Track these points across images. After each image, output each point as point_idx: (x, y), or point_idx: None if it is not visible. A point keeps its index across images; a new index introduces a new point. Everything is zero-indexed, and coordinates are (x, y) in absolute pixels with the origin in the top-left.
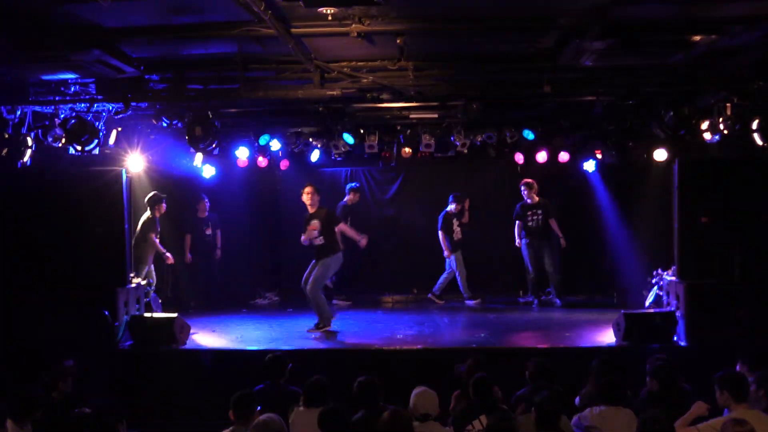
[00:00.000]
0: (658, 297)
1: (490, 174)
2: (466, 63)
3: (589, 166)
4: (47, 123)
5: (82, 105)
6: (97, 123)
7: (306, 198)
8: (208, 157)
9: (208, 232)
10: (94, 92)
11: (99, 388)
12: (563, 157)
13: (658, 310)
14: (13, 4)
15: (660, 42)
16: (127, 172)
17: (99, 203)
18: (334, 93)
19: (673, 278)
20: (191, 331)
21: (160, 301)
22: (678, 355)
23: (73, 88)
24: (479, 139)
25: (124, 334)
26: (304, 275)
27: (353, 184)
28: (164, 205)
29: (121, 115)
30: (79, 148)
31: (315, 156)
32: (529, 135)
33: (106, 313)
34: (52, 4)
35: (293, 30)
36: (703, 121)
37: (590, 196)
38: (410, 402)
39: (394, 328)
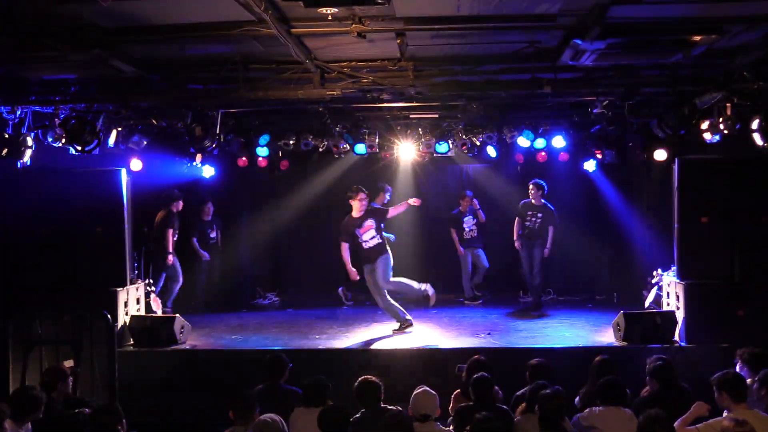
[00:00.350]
0: (658, 297)
1: (490, 174)
2: (466, 63)
3: (589, 166)
4: (47, 123)
5: (82, 105)
6: (97, 123)
7: (357, 204)
8: (208, 157)
9: (213, 235)
10: (94, 92)
11: (99, 388)
12: (563, 157)
13: (658, 310)
14: (13, 4)
15: (660, 42)
16: (127, 172)
17: (99, 203)
18: (334, 93)
19: (673, 278)
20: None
21: (160, 301)
22: (678, 355)
23: (73, 88)
24: (479, 139)
25: (124, 334)
26: (387, 277)
27: (381, 184)
28: (180, 203)
29: (121, 115)
30: (79, 148)
31: (316, 156)
32: (529, 135)
33: (106, 313)
34: (52, 4)
35: (293, 30)
36: (703, 121)
37: (590, 196)
38: (410, 402)
39: (394, 328)
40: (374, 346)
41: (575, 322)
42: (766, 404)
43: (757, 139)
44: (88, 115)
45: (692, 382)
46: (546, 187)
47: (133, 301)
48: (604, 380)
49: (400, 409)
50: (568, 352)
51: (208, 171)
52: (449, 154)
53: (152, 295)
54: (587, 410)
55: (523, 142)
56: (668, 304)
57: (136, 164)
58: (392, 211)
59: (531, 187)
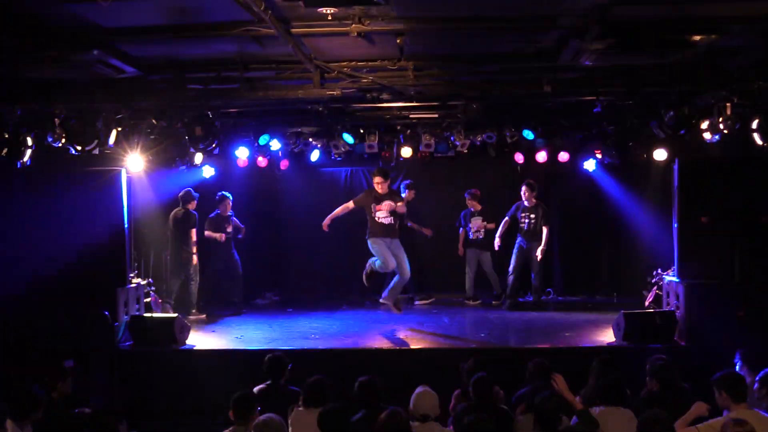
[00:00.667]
0: (658, 297)
1: (490, 174)
2: (466, 63)
3: (589, 165)
4: (47, 123)
5: (82, 105)
6: (97, 123)
7: (377, 187)
8: (208, 157)
9: (229, 230)
10: (94, 92)
11: (99, 388)
12: (563, 157)
13: (658, 310)
14: (13, 4)
15: (660, 42)
16: (127, 172)
17: (99, 203)
18: (334, 93)
19: (673, 278)
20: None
21: (160, 301)
22: (678, 355)
23: (73, 88)
24: (479, 139)
25: (124, 334)
26: (386, 258)
27: (407, 181)
28: (195, 203)
29: (121, 115)
30: (79, 148)
31: (315, 156)
32: (529, 135)
33: (106, 313)
34: (52, 4)
35: (293, 30)
36: (703, 121)
37: (590, 196)
38: (410, 402)
39: (394, 328)
40: (374, 346)
41: (575, 322)
42: (766, 404)
43: (757, 139)
44: (88, 115)
45: (692, 382)
46: (536, 186)
47: (133, 301)
48: (604, 380)
49: (398, 409)
50: (568, 352)
51: (208, 171)
52: (449, 154)
53: (152, 295)
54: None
55: (523, 141)
56: (668, 304)
57: (136, 164)
58: (401, 207)
59: (524, 188)
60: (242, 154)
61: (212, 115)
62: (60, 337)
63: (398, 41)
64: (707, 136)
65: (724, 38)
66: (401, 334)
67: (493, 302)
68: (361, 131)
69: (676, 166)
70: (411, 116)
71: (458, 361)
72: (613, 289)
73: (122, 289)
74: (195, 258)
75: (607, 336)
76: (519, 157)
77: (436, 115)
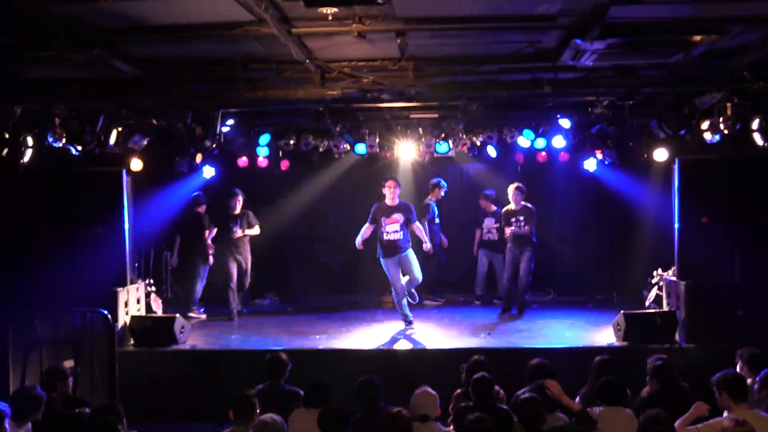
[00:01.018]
0: (658, 297)
1: (490, 174)
2: (466, 63)
3: (589, 165)
4: (47, 123)
5: (82, 105)
6: (97, 123)
7: (389, 192)
8: (208, 157)
9: (235, 229)
10: (94, 92)
11: (99, 388)
12: (563, 157)
13: (658, 310)
14: (13, 3)
15: (660, 42)
16: (127, 172)
17: (99, 203)
18: (334, 93)
19: (673, 278)
20: (191, 331)
21: (160, 301)
22: (678, 355)
23: (73, 88)
24: (479, 139)
25: (124, 334)
26: (395, 278)
27: (435, 180)
28: (205, 206)
29: (121, 115)
30: (79, 148)
31: (315, 156)
32: (529, 135)
33: (106, 313)
34: (52, 4)
35: (293, 30)
36: (703, 121)
37: (590, 196)
38: (410, 402)
39: (394, 328)
40: (374, 346)
41: (575, 322)
42: (767, 404)
43: (757, 139)
44: (88, 115)
45: (692, 382)
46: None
47: (133, 301)
48: (604, 380)
49: (399, 409)
50: (568, 352)
51: (208, 171)
52: (449, 154)
53: (152, 295)
54: (587, 410)
55: (523, 141)
56: (668, 304)
57: (136, 164)
58: (416, 228)
59: (513, 192)
60: (242, 153)
61: (212, 115)
62: (60, 337)
63: (398, 41)
64: (707, 136)
65: (724, 38)
66: (402, 335)
67: (494, 301)
68: (361, 131)
69: (676, 167)
70: (411, 116)
71: (458, 361)
72: (613, 289)
73: (122, 289)
74: (211, 258)
75: (607, 336)
76: (519, 157)
77: (436, 115)
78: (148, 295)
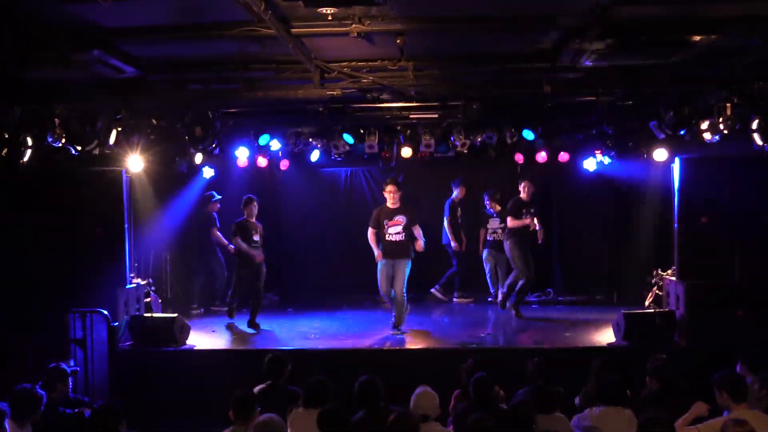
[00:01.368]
0: (658, 297)
1: (490, 174)
2: (466, 63)
3: (589, 165)
4: (47, 123)
5: (82, 105)
6: (97, 123)
7: (389, 196)
8: (208, 157)
9: (256, 237)
10: (94, 92)
11: (99, 388)
12: (563, 157)
13: (658, 310)
14: (13, 4)
15: (660, 42)
16: (127, 172)
17: (99, 203)
18: (334, 93)
19: (673, 278)
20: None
21: (160, 301)
22: (678, 355)
23: (73, 88)
24: (479, 139)
25: (124, 334)
26: (381, 282)
27: (459, 180)
28: (218, 205)
29: (120, 115)
30: (79, 148)
31: (315, 156)
32: (529, 135)
33: (106, 313)
34: (52, 4)
35: (293, 30)
36: (703, 121)
37: (590, 195)
38: (411, 402)
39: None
40: (374, 346)
41: (575, 322)
42: (766, 404)
43: (757, 139)
44: (88, 115)
45: (692, 382)
46: None
47: (133, 301)
48: (604, 380)
49: (405, 410)
50: (568, 352)
51: (207, 171)
52: (449, 154)
53: (152, 295)
54: (587, 410)
55: (523, 142)
56: (668, 304)
57: (136, 164)
58: (416, 231)
59: (526, 184)
60: (242, 154)
61: (212, 115)
62: (60, 337)
63: (398, 41)
64: (707, 136)
65: (724, 38)
66: (401, 335)
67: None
68: (361, 131)
69: (676, 166)
70: (411, 116)
71: (458, 361)
72: (613, 289)
73: (122, 289)
74: (233, 248)
75: (607, 336)
76: (519, 157)
77: (436, 115)
78: (148, 295)
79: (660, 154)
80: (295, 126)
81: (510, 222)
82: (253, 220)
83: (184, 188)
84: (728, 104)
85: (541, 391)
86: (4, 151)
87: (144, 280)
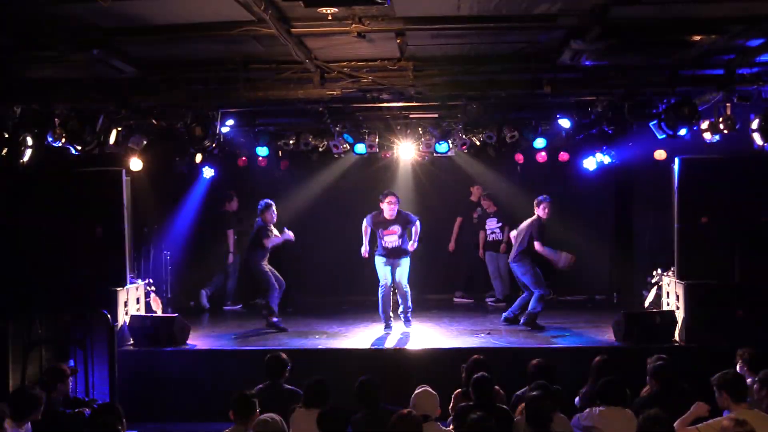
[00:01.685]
0: (658, 297)
1: (490, 174)
2: (466, 63)
3: (589, 165)
4: (47, 123)
5: (82, 105)
6: (97, 123)
7: (388, 207)
8: (208, 157)
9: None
10: (94, 92)
11: (99, 388)
12: (563, 157)
13: (658, 310)
14: (13, 3)
15: (660, 42)
16: (127, 172)
17: (99, 203)
18: (334, 93)
19: (673, 278)
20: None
21: (160, 301)
22: (678, 355)
23: (72, 88)
24: (479, 139)
25: (124, 334)
26: (383, 275)
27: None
28: (235, 203)
29: (121, 115)
30: (79, 148)
31: (314, 156)
32: (540, 143)
33: (106, 313)
34: (52, 4)
35: (293, 30)
36: (703, 121)
37: (590, 196)
38: (411, 402)
39: (394, 328)
40: (374, 346)
41: (575, 322)
42: (766, 404)
43: (757, 139)
44: (88, 115)
45: (692, 382)
46: None
47: (133, 301)
48: (604, 380)
49: (408, 410)
50: (568, 352)
51: (208, 171)
52: (449, 154)
53: (152, 295)
54: (587, 410)
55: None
56: (668, 304)
57: (136, 164)
58: (414, 231)
59: (547, 205)
60: (242, 154)
61: (212, 115)
62: (60, 337)
63: (398, 41)
64: (707, 136)
65: (723, 38)
66: (401, 334)
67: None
68: (361, 131)
69: (676, 166)
70: (411, 116)
71: (458, 361)
72: (613, 289)
73: (122, 289)
74: (231, 256)
75: (607, 336)
76: (519, 157)
77: (436, 115)
78: (147, 295)
79: (660, 154)
80: (295, 126)
81: (539, 248)
82: (271, 227)
83: (185, 188)
84: (728, 104)
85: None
86: (4, 151)
87: (144, 280)
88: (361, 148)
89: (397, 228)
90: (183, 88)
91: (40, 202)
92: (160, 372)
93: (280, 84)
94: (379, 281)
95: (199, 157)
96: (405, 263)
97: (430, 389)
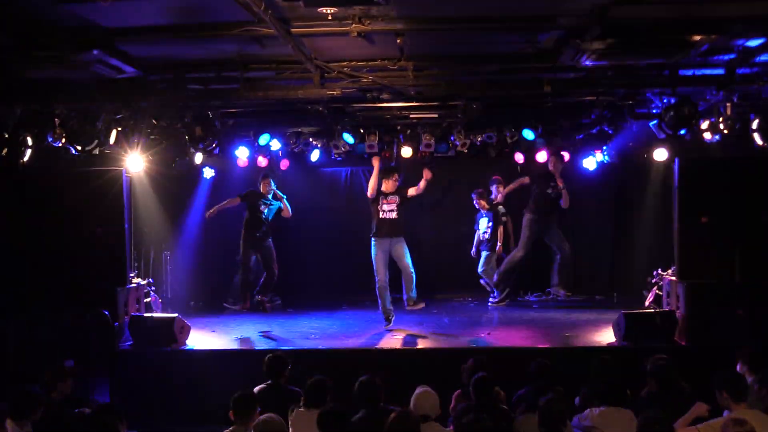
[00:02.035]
0: (658, 297)
1: (491, 174)
2: (466, 63)
3: (589, 165)
4: (47, 123)
5: (82, 105)
6: (97, 123)
7: (390, 183)
8: (208, 157)
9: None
10: (94, 92)
11: (99, 388)
12: (563, 157)
13: (658, 310)
14: (13, 4)
15: (660, 42)
16: (127, 172)
17: (99, 203)
18: (334, 93)
19: (673, 278)
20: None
21: (160, 301)
22: (678, 355)
23: (72, 88)
24: (479, 139)
25: (124, 334)
26: (378, 268)
27: (495, 179)
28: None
29: (121, 115)
30: (79, 148)
31: (315, 156)
32: (529, 135)
33: (106, 313)
34: (52, 4)
35: (293, 30)
36: (703, 121)
37: (590, 196)
38: (411, 402)
39: (394, 328)
40: (374, 346)
41: (575, 322)
42: (766, 404)
43: (757, 139)
44: (88, 115)
45: (692, 382)
46: None
47: (133, 301)
48: (604, 380)
49: (405, 409)
50: (568, 352)
51: (208, 171)
52: (449, 154)
53: (152, 295)
54: (587, 410)
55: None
56: (668, 304)
57: (136, 164)
58: (411, 191)
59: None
60: (242, 154)
61: (212, 115)
62: (60, 337)
63: (398, 41)
64: (707, 136)
65: (723, 38)
66: (401, 334)
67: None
68: (361, 131)
69: (676, 166)
70: (411, 116)
71: (458, 361)
72: (613, 289)
73: (122, 289)
74: (241, 252)
75: (607, 336)
76: (519, 157)
77: (436, 115)
78: (147, 295)
79: (660, 154)
80: (295, 126)
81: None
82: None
83: (185, 188)
84: (728, 104)
85: (543, 390)
86: (4, 151)
87: (144, 280)
88: (361, 148)
89: (395, 198)
90: (183, 88)
91: (40, 202)
92: (159, 372)
93: (279, 84)
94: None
95: (199, 157)
96: (402, 244)
97: (430, 389)
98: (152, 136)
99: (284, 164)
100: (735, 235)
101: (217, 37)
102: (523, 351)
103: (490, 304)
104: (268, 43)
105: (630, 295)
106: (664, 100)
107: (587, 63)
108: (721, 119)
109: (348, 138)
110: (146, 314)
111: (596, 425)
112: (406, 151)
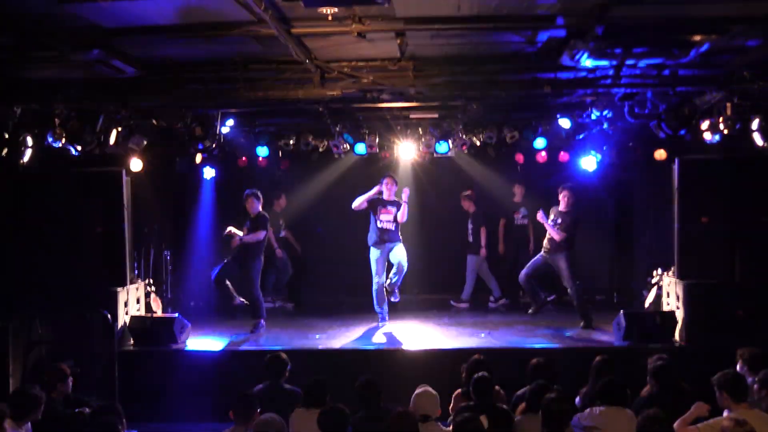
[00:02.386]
0: (658, 297)
1: (491, 174)
2: (466, 63)
3: (589, 165)
4: (47, 123)
5: (82, 105)
6: (97, 123)
7: (387, 188)
8: (208, 157)
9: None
10: (94, 92)
11: (99, 388)
12: (563, 157)
13: (658, 310)
14: (13, 4)
15: (660, 42)
16: (127, 172)
17: (99, 203)
18: (334, 93)
19: (673, 278)
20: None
21: (160, 300)
22: (678, 355)
23: (73, 88)
24: (479, 139)
25: (124, 334)
26: (377, 269)
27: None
28: (282, 200)
29: (121, 115)
30: (79, 148)
31: (314, 156)
32: (540, 143)
33: (106, 313)
34: (52, 4)
35: (293, 30)
36: (703, 121)
37: (590, 196)
38: (410, 402)
39: (394, 328)
40: (374, 346)
41: (575, 322)
42: (766, 404)
43: (757, 139)
44: (88, 115)
45: (692, 382)
46: None
47: (133, 301)
48: (604, 380)
49: (404, 408)
50: (568, 352)
51: (208, 172)
52: (449, 154)
53: (152, 295)
54: (587, 410)
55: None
56: (668, 304)
57: (136, 164)
58: (401, 216)
59: (567, 193)
60: (242, 154)
61: (212, 115)
62: (60, 337)
63: (398, 41)
64: (707, 136)
65: (724, 38)
66: (401, 334)
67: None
68: (361, 131)
69: (676, 166)
70: (411, 116)
71: (458, 361)
72: (613, 289)
73: (122, 289)
74: (278, 251)
75: (607, 336)
76: (519, 157)
77: (436, 115)
78: (148, 295)
79: (660, 154)
80: (295, 126)
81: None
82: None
83: (185, 188)
84: (728, 104)
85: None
86: (4, 151)
87: (144, 280)
88: (361, 148)
89: (393, 209)
90: (183, 88)
91: (40, 202)
92: (159, 372)
93: (280, 84)
94: (373, 276)
95: (199, 158)
96: (399, 247)
97: (430, 389)
98: (152, 136)
99: (284, 164)
100: (735, 236)
101: (217, 37)
102: (523, 351)
103: (491, 303)
104: (268, 43)
105: (630, 295)
106: (665, 100)
107: (587, 63)
108: (721, 119)
109: (348, 138)
110: (146, 314)
111: (596, 425)
112: (406, 151)
